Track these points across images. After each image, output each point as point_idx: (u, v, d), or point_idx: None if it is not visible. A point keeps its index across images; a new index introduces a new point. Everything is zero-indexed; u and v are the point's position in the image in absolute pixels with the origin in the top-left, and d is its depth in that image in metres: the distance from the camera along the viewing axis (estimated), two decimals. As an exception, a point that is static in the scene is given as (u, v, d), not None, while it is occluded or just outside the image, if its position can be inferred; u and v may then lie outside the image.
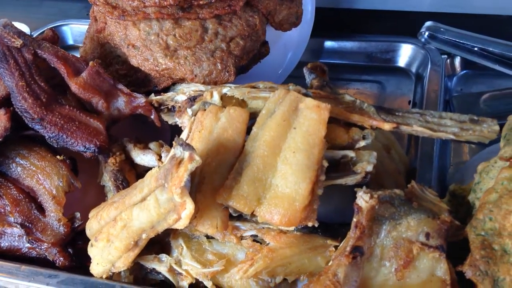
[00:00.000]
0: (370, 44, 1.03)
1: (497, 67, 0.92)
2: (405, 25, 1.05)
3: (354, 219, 0.58)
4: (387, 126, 0.60)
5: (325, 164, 0.59)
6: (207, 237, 0.65)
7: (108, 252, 0.62)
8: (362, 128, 0.63)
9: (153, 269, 0.65)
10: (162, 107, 0.79)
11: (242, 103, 0.70)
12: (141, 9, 0.76)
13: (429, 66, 0.93)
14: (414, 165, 0.76)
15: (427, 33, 0.96)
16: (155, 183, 0.59)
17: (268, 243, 0.62)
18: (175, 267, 0.63)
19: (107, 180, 0.74)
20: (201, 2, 0.75)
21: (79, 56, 0.91)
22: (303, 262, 0.62)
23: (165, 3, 0.74)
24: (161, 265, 0.64)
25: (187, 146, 0.56)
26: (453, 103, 0.88)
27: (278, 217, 0.56)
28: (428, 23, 0.98)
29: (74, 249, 0.70)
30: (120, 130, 0.83)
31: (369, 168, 0.60)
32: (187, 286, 0.63)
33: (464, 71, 0.98)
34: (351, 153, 0.61)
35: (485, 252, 0.55)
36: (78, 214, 0.71)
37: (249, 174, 0.59)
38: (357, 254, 0.57)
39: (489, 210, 0.57)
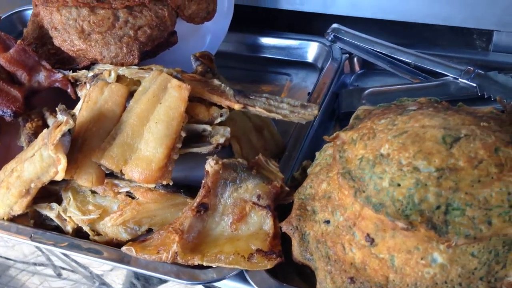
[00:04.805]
0: (286, 41, 1.15)
1: (387, 67, 1.04)
2: (321, 25, 1.16)
3: (203, 181, 0.71)
4: (236, 106, 0.72)
5: (183, 134, 0.71)
6: (92, 191, 0.77)
7: (7, 198, 0.75)
8: (222, 107, 0.75)
9: (47, 215, 0.78)
10: (78, 83, 0.91)
11: (137, 83, 0.82)
12: (62, -3, 0.89)
13: (328, 63, 1.05)
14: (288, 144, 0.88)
15: (332, 34, 1.08)
16: (41, 142, 0.72)
17: (138, 198, 0.74)
18: (61, 214, 0.76)
19: (23, 142, 0.87)
20: (113, -6, 0.88)
21: (24, 36, 1.04)
22: (166, 216, 0.74)
23: (81, -7, 0.87)
24: (51, 212, 0.77)
25: (64, 111, 0.68)
26: (341, 95, 1.00)
27: (137, 175, 0.69)
28: (333, 25, 1.10)
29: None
30: (46, 102, 0.96)
31: (221, 140, 0.72)
32: (70, 230, 0.76)
33: (363, 70, 1.09)
34: (208, 127, 0.73)
35: (300, 212, 0.67)
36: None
37: (121, 139, 0.71)
38: (201, 209, 0.70)
39: (311, 179, 0.69)
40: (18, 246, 0.90)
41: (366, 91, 0.98)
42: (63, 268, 0.92)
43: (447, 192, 0.54)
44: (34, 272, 0.96)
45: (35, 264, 0.94)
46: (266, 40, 1.16)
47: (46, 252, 0.90)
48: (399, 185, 0.56)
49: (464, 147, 0.56)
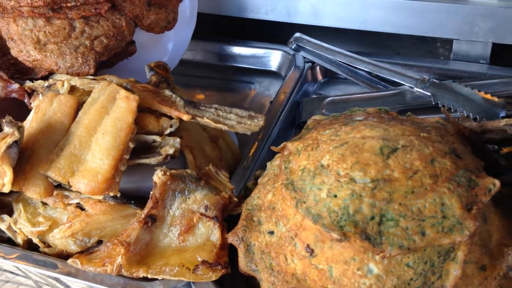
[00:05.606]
0: (251, 50, 1.15)
1: (348, 76, 1.05)
2: (287, 34, 1.16)
3: (151, 192, 0.71)
4: (185, 117, 0.73)
5: (131, 145, 0.71)
6: (43, 203, 0.77)
7: (-44, 210, 0.74)
8: (172, 118, 0.75)
9: (-2, 227, 0.77)
10: (35, 93, 0.91)
11: (89, 93, 0.81)
12: (17, 8, 0.88)
13: (291, 71, 1.06)
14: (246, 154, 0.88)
15: (295, 43, 1.09)
16: (-12, 154, 0.71)
17: (87, 210, 0.74)
18: (12, 225, 0.75)
19: (-22, 153, 0.86)
20: (69, 5, 0.88)
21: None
22: (115, 227, 0.74)
23: (36, 3, 0.87)
24: (2, 224, 0.76)
25: (10, 123, 0.68)
26: (302, 104, 1.00)
27: (84, 186, 0.69)
28: (296, 34, 1.10)
29: None
30: (4, 113, 0.95)
31: (171, 151, 0.72)
32: (21, 241, 0.75)
33: (326, 79, 1.10)
34: (158, 138, 0.73)
35: (246, 223, 0.67)
36: None
37: (68, 150, 0.71)
38: (149, 220, 0.69)
39: (258, 190, 0.69)
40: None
41: (326, 100, 0.99)
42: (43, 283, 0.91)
43: (381, 203, 0.54)
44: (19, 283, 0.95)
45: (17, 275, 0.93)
46: (231, 49, 1.17)
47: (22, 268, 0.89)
48: (335, 196, 0.56)
49: (400, 158, 0.57)
